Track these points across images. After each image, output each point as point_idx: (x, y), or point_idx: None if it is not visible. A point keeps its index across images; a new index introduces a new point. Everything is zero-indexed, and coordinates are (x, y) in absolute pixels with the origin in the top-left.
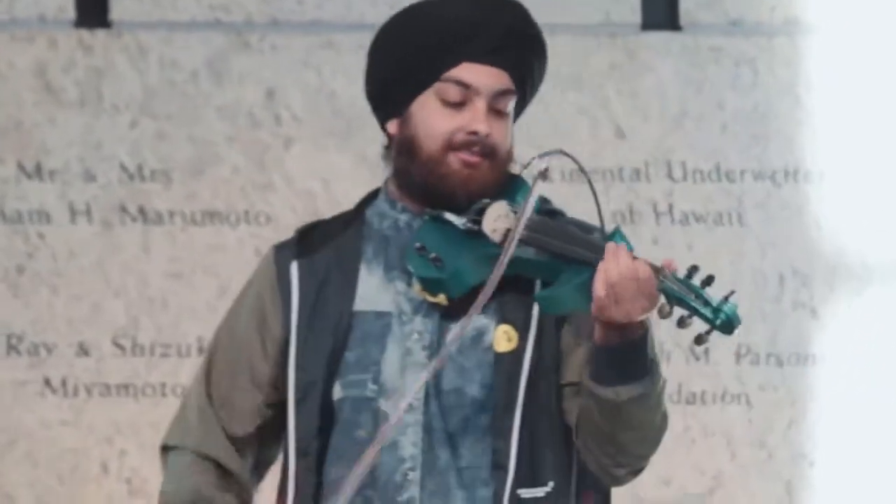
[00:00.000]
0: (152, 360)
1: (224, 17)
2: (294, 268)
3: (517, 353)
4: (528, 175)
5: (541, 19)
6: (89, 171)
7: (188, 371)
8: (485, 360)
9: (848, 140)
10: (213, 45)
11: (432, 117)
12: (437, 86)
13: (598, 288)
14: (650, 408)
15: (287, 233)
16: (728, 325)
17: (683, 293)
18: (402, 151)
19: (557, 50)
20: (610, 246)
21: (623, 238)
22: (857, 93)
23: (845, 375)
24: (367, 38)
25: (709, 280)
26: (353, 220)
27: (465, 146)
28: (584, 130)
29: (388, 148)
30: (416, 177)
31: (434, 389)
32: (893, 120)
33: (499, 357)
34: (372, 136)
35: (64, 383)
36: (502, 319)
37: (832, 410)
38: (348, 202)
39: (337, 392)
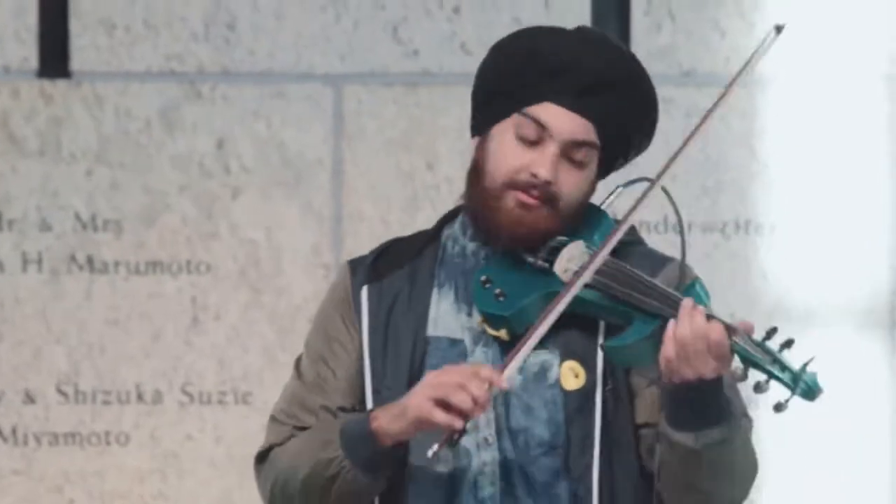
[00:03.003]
0: (95, 407)
1: (178, 67)
2: (364, 294)
3: (587, 391)
4: (608, 205)
5: None
6: (45, 221)
7: (130, 419)
8: (550, 397)
9: (801, 192)
10: (166, 94)
11: (503, 149)
12: (517, 118)
13: (668, 347)
14: (734, 452)
15: (225, 282)
16: (810, 393)
17: (759, 357)
18: (471, 172)
19: None
20: (686, 304)
21: (701, 290)
22: (811, 144)
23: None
24: (316, 89)
25: (788, 344)
26: (430, 240)
27: (525, 187)
28: None
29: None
30: (472, 202)
31: (505, 426)
32: (846, 171)
33: (568, 395)
34: (318, 186)
35: (14, 432)
36: (567, 355)
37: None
38: (291, 251)
39: None
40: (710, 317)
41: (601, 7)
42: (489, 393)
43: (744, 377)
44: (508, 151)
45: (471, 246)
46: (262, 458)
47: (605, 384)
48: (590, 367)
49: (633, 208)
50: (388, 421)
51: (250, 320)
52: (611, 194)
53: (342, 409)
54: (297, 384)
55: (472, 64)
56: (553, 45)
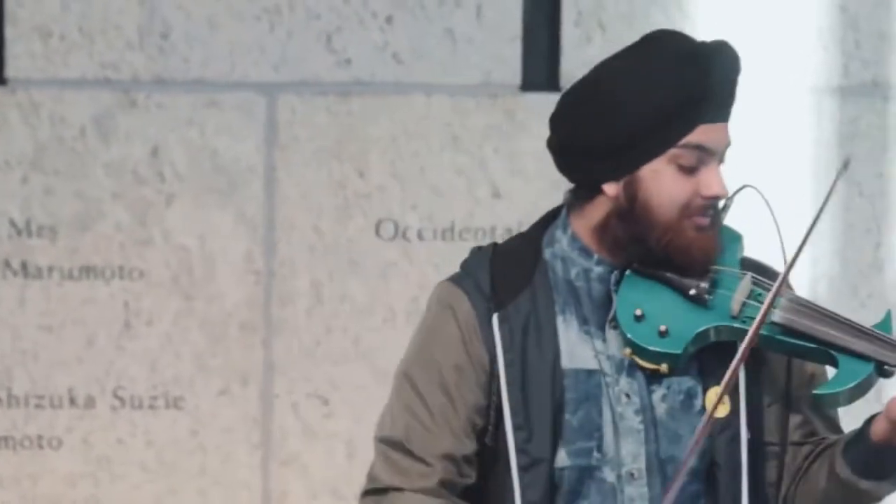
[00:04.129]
0: (28, 411)
1: (113, 75)
2: (495, 322)
3: (733, 418)
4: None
5: (421, 79)
6: None
7: (62, 423)
8: (697, 425)
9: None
10: (101, 102)
11: (670, 185)
12: (673, 152)
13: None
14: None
15: (158, 288)
16: None
17: None
18: (628, 217)
19: (434, 110)
20: None
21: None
22: (737, 157)
23: None
24: (250, 98)
25: None
26: (536, 259)
27: (702, 211)
28: (461, 190)
29: (579, 197)
30: (654, 244)
31: (655, 459)
32: (771, 183)
33: (716, 423)
34: (251, 194)
35: None
36: (711, 381)
37: None
38: (223, 258)
39: (562, 459)
40: None
41: (532, 17)
42: None
43: None
44: (676, 185)
45: (597, 270)
46: (376, 495)
47: (748, 410)
48: (734, 393)
49: (804, 242)
50: None
51: (182, 327)
52: (723, 207)
53: (465, 457)
54: (417, 412)
55: (404, 73)
56: (689, 73)
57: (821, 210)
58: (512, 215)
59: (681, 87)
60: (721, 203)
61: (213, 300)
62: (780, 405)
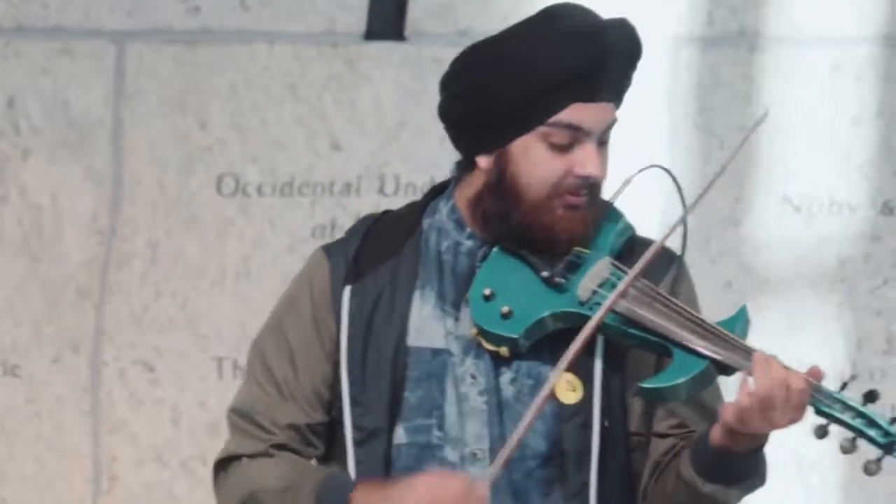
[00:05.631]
0: None
1: None
2: (346, 296)
3: (585, 404)
4: (615, 197)
5: (263, 27)
6: None
7: None
8: (548, 410)
9: None
10: None
11: (539, 163)
12: (544, 129)
13: (743, 397)
14: (747, 493)
15: (8, 249)
16: None
17: (841, 411)
18: (498, 192)
19: (276, 60)
20: (759, 357)
21: (747, 323)
22: None
23: None
24: (102, 46)
25: (871, 396)
26: (411, 229)
27: (573, 190)
28: (300, 142)
29: (463, 168)
30: (516, 221)
31: (500, 441)
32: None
33: (565, 409)
34: (100, 148)
35: None
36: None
37: None
38: (75, 217)
39: (399, 436)
40: (785, 367)
41: None
42: None
43: (825, 434)
44: (544, 163)
45: (468, 244)
46: (225, 464)
47: (603, 398)
48: (587, 380)
49: (668, 235)
50: None
51: (25, 291)
52: (626, 184)
53: (309, 427)
54: (263, 382)
55: (251, 21)
56: (564, 50)
57: (714, 179)
58: (351, 168)
59: (552, 64)
60: (628, 183)
61: (56, 263)
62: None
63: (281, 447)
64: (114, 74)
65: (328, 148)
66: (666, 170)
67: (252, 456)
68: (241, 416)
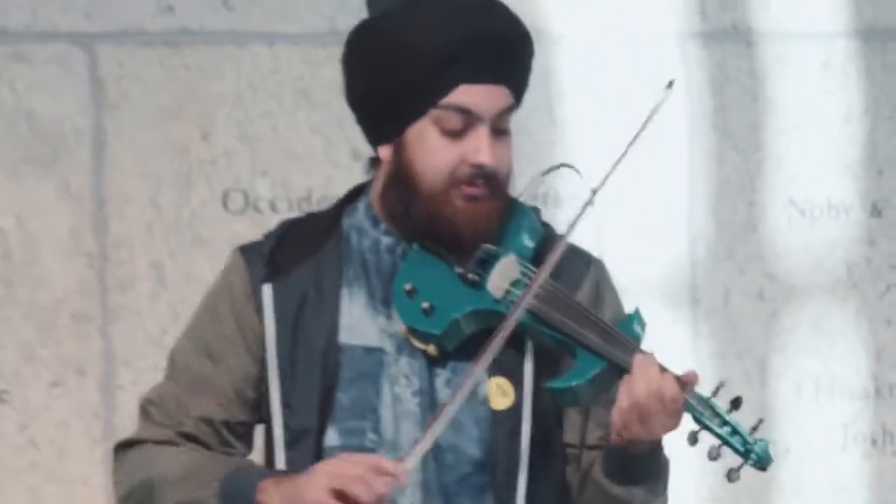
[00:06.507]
0: None
1: None
2: (268, 293)
3: (515, 410)
4: (528, 196)
5: (251, 27)
6: None
7: None
8: (480, 415)
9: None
10: None
11: (431, 149)
12: (434, 113)
13: (623, 400)
14: (657, 498)
15: None
16: (761, 463)
17: (710, 418)
18: (397, 183)
19: (282, 62)
20: (639, 360)
21: (639, 325)
22: (605, 106)
23: None
24: (60, 49)
25: (736, 403)
26: (331, 229)
27: (469, 179)
28: (317, 153)
29: (374, 161)
30: (416, 214)
31: (431, 445)
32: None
33: (496, 414)
34: (78, 163)
35: None
36: (494, 371)
37: None
38: (47, 241)
39: (332, 438)
40: (663, 370)
41: None
42: (390, 487)
43: (695, 441)
44: (437, 149)
45: (386, 241)
46: (126, 446)
47: (534, 403)
48: (518, 384)
49: (573, 225)
50: (278, 501)
51: (4, 316)
52: (537, 184)
53: (226, 424)
54: (178, 377)
55: (237, 20)
56: (444, 27)
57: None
58: None
59: (438, 44)
60: (536, 181)
61: (39, 286)
62: (579, 411)
63: (189, 438)
64: (88, 81)
65: (349, 159)
66: (573, 167)
67: (157, 442)
68: (150, 402)
